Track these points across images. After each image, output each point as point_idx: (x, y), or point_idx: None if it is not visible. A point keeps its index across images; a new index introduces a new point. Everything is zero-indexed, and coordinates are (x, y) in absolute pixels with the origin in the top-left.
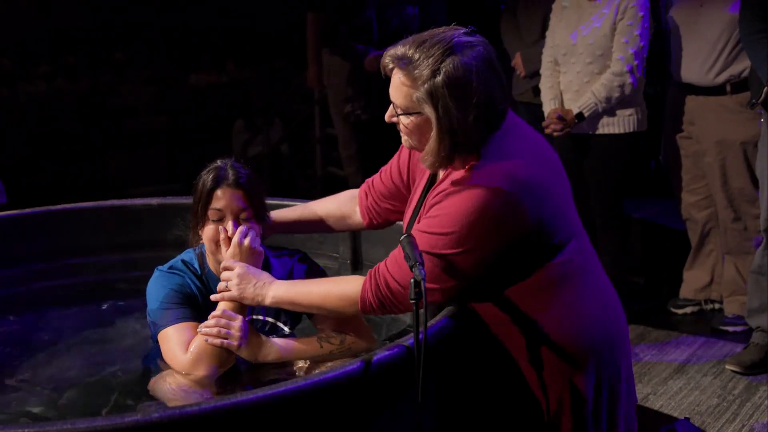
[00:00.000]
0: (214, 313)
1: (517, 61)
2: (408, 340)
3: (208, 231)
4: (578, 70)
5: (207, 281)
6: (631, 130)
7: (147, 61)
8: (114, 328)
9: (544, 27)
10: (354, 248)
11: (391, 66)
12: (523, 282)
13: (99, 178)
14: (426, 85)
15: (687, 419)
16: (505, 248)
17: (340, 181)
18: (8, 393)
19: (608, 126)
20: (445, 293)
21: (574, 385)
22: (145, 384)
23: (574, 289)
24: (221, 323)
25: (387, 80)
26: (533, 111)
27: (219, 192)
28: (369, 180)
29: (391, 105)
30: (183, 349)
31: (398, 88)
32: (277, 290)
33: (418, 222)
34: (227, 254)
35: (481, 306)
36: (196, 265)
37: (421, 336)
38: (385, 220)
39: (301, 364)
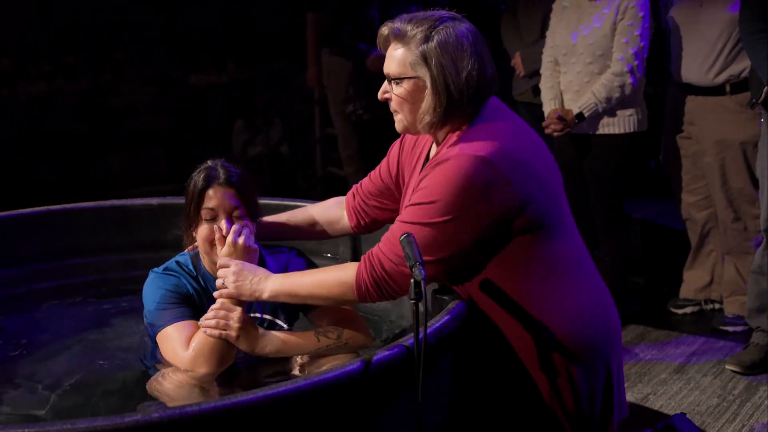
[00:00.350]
0: (213, 307)
1: (517, 60)
2: (408, 340)
3: (201, 231)
4: (578, 70)
5: (203, 282)
6: (632, 130)
7: (147, 61)
8: (114, 328)
9: (544, 27)
10: (354, 248)
11: (386, 33)
12: (519, 267)
13: (99, 178)
14: (420, 48)
15: (683, 414)
16: (494, 220)
17: (340, 181)
18: (8, 393)
19: (608, 126)
20: (437, 266)
21: (570, 375)
22: (145, 384)
23: (570, 280)
24: (220, 315)
25: None
26: (533, 111)
27: (211, 191)
28: (357, 183)
29: (385, 81)
30: (184, 346)
31: (392, 57)
32: (274, 284)
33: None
34: (222, 253)
35: (476, 293)
36: (191, 267)
37: (421, 336)
38: (372, 220)
39: (299, 360)
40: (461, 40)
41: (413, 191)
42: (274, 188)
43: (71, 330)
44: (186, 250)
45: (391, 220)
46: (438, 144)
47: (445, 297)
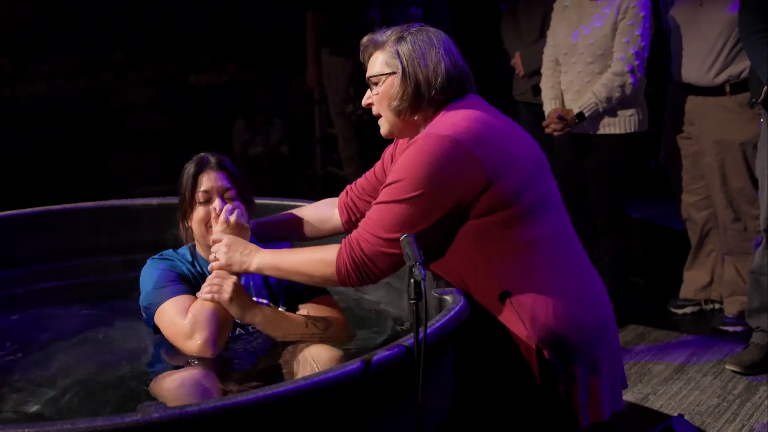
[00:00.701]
0: (208, 278)
1: (517, 60)
2: (408, 340)
3: (197, 214)
4: (579, 70)
5: (199, 268)
6: (632, 130)
7: (147, 61)
8: (114, 328)
9: (544, 27)
10: None
11: (366, 43)
12: (496, 246)
13: (99, 178)
14: (394, 47)
15: (681, 416)
16: (464, 195)
17: (340, 181)
18: (8, 393)
19: (609, 126)
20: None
21: (547, 357)
22: (145, 384)
23: (553, 262)
24: (214, 281)
25: None
26: (533, 111)
27: (204, 176)
28: (351, 183)
29: (368, 90)
30: (182, 315)
31: (372, 62)
32: (262, 257)
33: None
34: (215, 230)
35: (455, 274)
36: (188, 255)
37: (421, 336)
38: (363, 216)
39: (289, 349)
40: (431, 38)
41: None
42: (274, 188)
43: (71, 330)
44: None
45: None
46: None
47: (446, 297)
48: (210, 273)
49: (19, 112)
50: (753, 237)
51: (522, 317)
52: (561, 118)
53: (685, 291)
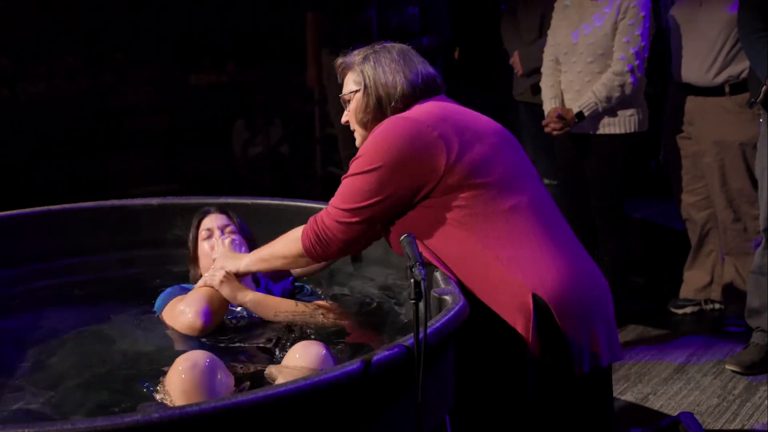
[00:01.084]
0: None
1: (515, 59)
2: (408, 340)
3: (201, 249)
4: (579, 70)
5: None
6: (632, 130)
7: (147, 61)
8: (114, 328)
9: (542, 26)
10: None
11: (339, 64)
12: (482, 218)
13: (99, 178)
14: (360, 66)
15: (690, 413)
16: (424, 167)
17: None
18: (8, 392)
19: (609, 126)
20: (365, 213)
21: (549, 303)
22: (145, 383)
23: (539, 222)
24: (207, 273)
25: None
26: (533, 110)
27: (206, 219)
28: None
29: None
30: (180, 301)
31: (345, 82)
32: (249, 257)
33: None
34: (216, 252)
35: (444, 250)
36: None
37: (421, 336)
38: None
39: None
40: (392, 55)
41: None
42: (274, 188)
43: (71, 330)
44: None
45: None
46: None
47: (446, 297)
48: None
49: (19, 112)
50: (753, 237)
51: (512, 272)
52: (561, 118)
53: (685, 291)
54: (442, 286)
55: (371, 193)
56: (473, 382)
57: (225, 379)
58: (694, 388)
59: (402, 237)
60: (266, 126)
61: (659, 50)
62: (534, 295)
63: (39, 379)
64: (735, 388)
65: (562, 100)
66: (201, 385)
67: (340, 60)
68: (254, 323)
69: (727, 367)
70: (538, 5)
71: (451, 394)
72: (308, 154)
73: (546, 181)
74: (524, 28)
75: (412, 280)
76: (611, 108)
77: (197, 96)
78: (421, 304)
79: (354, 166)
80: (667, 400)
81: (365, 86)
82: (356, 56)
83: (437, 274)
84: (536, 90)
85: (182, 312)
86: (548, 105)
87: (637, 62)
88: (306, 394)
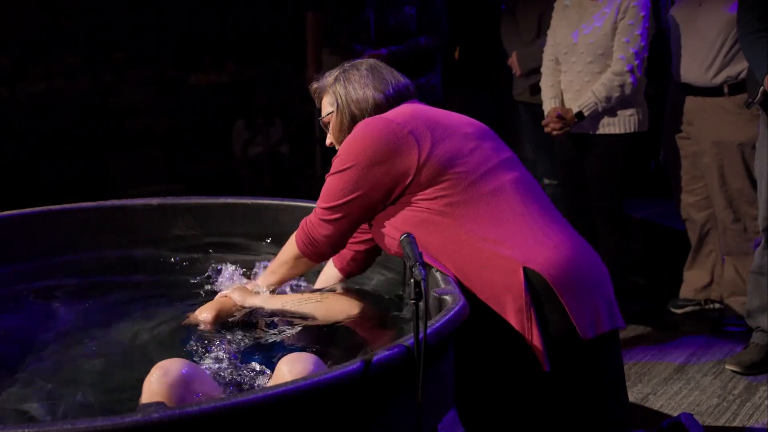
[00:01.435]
0: None
1: (513, 60)
2: (408, 340)
3: None
4: (579, 70)
5: None
6: (632, 130)
7: (147, 61)
8: (114, 328)
9: (540, 26)
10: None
11: (315, 89)
12: (464, 206)
13: (99, 178)
14: (331, 88)
15: (690, 414)
16: (399, 165)
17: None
18: (8, 392)
19: (609, 126)
20: (343, 210)
21: (542, 274)
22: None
23: (525, 201)
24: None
25: None
26: (533, 110)
27: None
28: None
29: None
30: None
31: (322, 106)
32: (261, 278)
33: None
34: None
35: (432, 242)
36: None
37: (421, 336)
38: (353, 256)
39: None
40: (360, 69)
41: None
42: (274, 188)
43: (71, 330)
44: None
45: (375, 251)
46: None
47: (446, 297)
48: None
49: (19, 112)
50: (752, 237)
51: (501, 250)
52: (560, 118)
53: (685, 291)
54: (442, 286)
55: (347, 191)
56: (478, 367)
57: (203, 388)
58: (694, 388)
59: (402, 237)
60: (266, 126)
61: (659, 50)
62: (525, 269)
63: (38, 379)
64: (735, 388)
65: (562, 100)
66: (170, 394)
67: (315, 85)
68: (258, 325)
69: (727, 367)
70: (536, 6)
71: (452, 394)
72: (308, 154)
73: (546, 181)
74: (522, 29)
75: (412, 280)
76: (611, 108)
77: (197, 96)
78: (421, 304)
79: (333, 165)
80: (667, 400)
81: (338, 106)
82: (328, 78)
83: (437, 274)
84: (534, 90)
85: (198, 314)
86: (548, 105)
87: (636, 62)
88: (306, 394)
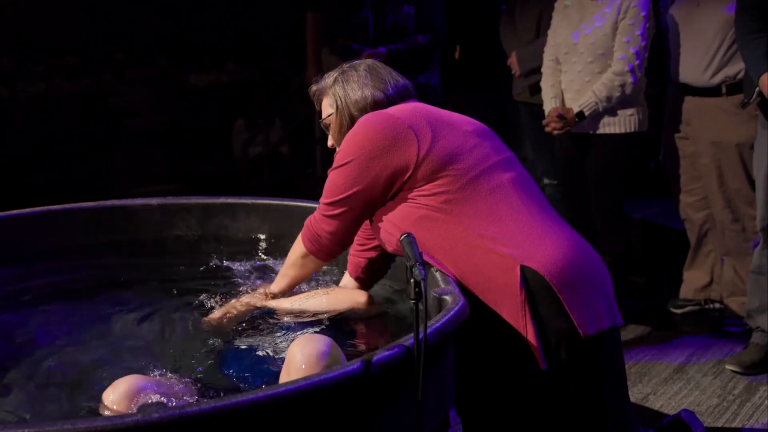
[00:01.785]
0: None
1: (512, 60)
2: (408, 340)
3: None
4: (579, 69)
5: None
6: (632, 130)
7: (147, 61)
8: (113, 328)
9: (539, 27)
10: None
11: (314, 92)
12: (463, 203)
13: (99, 178)
14: (330, 89)
15: (691, 411)
16: (398, 160)
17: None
18: (7, 392)
19: (609, 126)
20: (344, 204)
21: (540, 271)
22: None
23: (524, 200)
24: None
25: None
26: (533, 110)
27: None
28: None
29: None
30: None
31: (322, 108)
32: (274, 284)
33: None
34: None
35: (430, 238)
36: None
37: (421, 336)
38: (367, 263)
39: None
40: (359, 70)
41: None
42: (274, 188)
43: (70, 330)
44: None
45: (390, 257)
46: None
47: (446, 297)
48: None
49: (19, 112)
50: (751, 237)
51: (498, 247)
52: (561, 117)
53: (685, 291)
54: (442, 286)
55: (348, 185)
56: (477, 365)
57: (156, 397)
58: (694, 388)
59: (402, 237)
60: (266, 126)
61: (659, 50)
62: (523, 267)
63: (38, 379)
64: (735, 388)
65: (563, 100)
66: (120, 409)
67: (314, 88)
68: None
69: (727, 367)
70: (535, 6)
71: (452, 394)
72: (308, 154)
73: (546, 181)
74: (521, 29)
75: (412, 280)
76: (611, 108)
77: (197, 96)
78: (421, 304)
79: (334, 161)
80: (667, 400)
81: (337, 107)
82: (327, 80)
83: (437, 274)
84: (534, 90)
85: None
86: (548, 105)
87: (637, 62)
88: (306, 394)
